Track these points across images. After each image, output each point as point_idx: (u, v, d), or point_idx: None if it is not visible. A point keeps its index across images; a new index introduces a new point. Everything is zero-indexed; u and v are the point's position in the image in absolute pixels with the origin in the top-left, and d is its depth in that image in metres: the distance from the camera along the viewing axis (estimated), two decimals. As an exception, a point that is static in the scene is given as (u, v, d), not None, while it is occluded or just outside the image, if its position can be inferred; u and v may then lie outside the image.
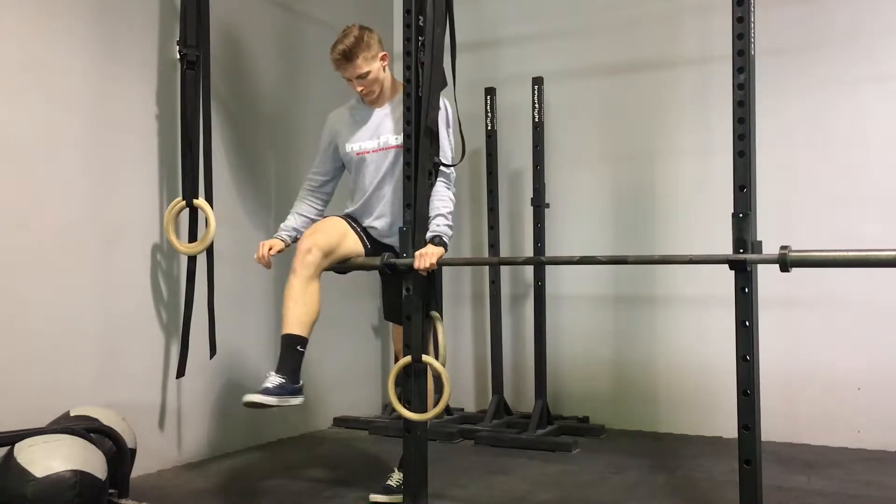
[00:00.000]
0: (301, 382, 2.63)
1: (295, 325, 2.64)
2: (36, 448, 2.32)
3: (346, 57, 2.80)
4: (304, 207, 3.02)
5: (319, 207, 3.03)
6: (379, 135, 2.90)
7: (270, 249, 2.87)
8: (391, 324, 3.07)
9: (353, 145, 2.93)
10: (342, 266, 2.87)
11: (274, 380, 2.55)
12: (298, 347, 2.63)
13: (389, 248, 2.90)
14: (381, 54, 2.86)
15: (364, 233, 2.91)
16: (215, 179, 3.34)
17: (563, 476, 3.25)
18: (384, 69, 2.89)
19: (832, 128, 3.80)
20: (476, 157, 4.44)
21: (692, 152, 4.08)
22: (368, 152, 2.90)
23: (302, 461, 3.54)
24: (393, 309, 2.95)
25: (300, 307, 2.65)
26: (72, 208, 3.01)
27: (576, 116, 4.40)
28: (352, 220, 2.94)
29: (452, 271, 4.64)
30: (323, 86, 4.18)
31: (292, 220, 2.98)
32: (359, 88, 2.88)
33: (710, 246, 2.94)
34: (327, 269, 2.79)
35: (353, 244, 2.85)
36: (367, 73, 2.83)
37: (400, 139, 2.82)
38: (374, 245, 2.91)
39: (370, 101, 2.93)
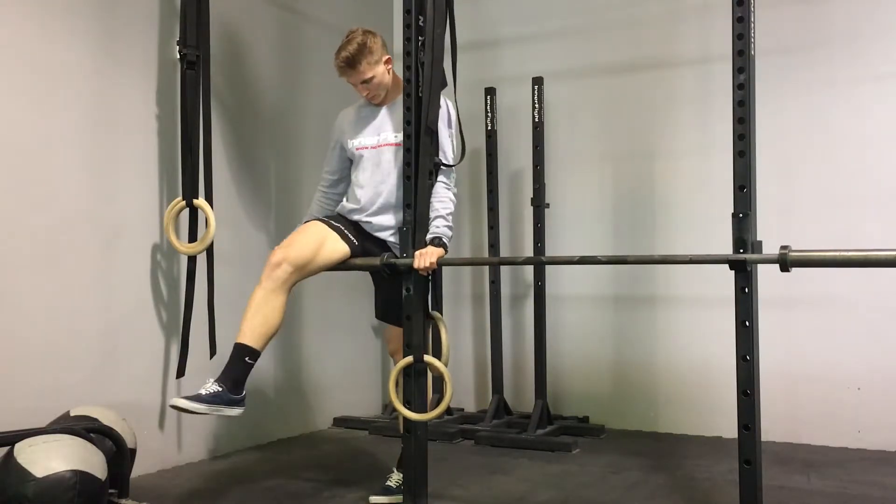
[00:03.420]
0: (244, 394, 2.56)
1: (248, 335, 2.59)
2: (36, 448, 2.32)
3: (350, 64, 2.80)
4: (318, 210, 3.04)
5: (333, 208, 3.03)
6: (380, 132, 2.91)
7: None
8: (385, 323, 3.06)
9: (355, 141, 2.94)
10: (343, 266, 2.86)
11: (210, 387, 2.50)
12: (247, 359, 2.57)
13: (381, 242, 2.88)
14: (384, 58, 2.86)
15: (353, 228, 2.88)
16: (215, 179, 3.33)
17: (563, 476, 3.25)
18: (388, 72, 2.89)
19: (832, 128, 3.80)
20: (476, 157, 4.44)
21: (692, 152, 4.09)
22: (367, 148, 2.91)
23: (302, 461, 3.54)
24: (387, 308, 2.94)
25: (258, 318, 2.60)
26: (72, 208, 3.01)
27: (576, 116, 4.40)
28: (338, 219, 2.90)
29: (452, 271, 4.64)
30: (323, 85, 4.19)
31: None
32: (364, 93, 2.89)
33: (709, 246, 2.94)
34: (303, 279, 2.75)
35: (330, 251, 2.78)
36: (372, 77, 2.83)
37: (399, 137, 2.83)
38: (363, 240, 2.88)
39: (375, 102, 2.94)
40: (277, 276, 2.64)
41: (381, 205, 2.87)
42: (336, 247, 2.80)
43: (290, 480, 3.21)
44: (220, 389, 2.50)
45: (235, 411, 2.53)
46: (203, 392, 2.49)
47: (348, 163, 3.02)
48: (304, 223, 2.97)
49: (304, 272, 2.71)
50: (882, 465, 3.38)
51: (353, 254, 2.84)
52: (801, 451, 3.63)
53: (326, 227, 2.84)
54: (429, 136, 2.74)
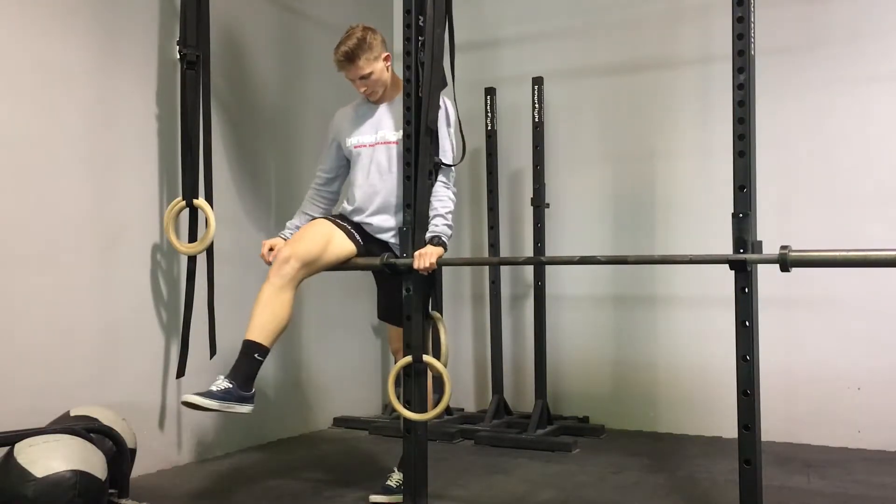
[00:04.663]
0: (253, 391, 2.56)
1: (257, 332, 2.58)
2: (36, 448, 2.32)
3: (349, 58, 2.81)
4: (310, 207, 3.02)
5: (325, 207, 3.03)
6: (378, 130, 2.90)
7: (272, 250, 2.85)
8: (388, 324, 3.06)
9: (353, 139, 2.93)
10: (344, 265, 2.86)
11: (221, 384, 2.50)
12: (256, 356, 2.57)
13: (384, 244, 2.88)
14: (383, 55, 2.86)
15: (357, 229, 2.88)
16: (215, 179, 3.33)
17: (563, 476, 3.25)
18: (387, 69, 2.89)
19: (832, 128, 3.80)
20: (476, 157, 4.44)
21: (692, 152, 4.09)
22: (365, 146, 2.90)
23: (302, 461, 3.54)
24: (388, 309, 2.94)
25: (266, 314, 2.60)
26: (72, 208, 3.01)
27: (576, 116, 4.40)
28: (343, 219, 2.91)
29: (452, 271, 4.64)
30: (323, 86, 4.19)
31: (297, 220, 2.99)
32: (362, 89, 2.89)
33: (710, 246, 2.94)
34: (310, 275, 2.75)
35: (338, 248, 2.79)
36: (370, 73, 2.84)
37: (398, 135, 2.83)
38: (367, 242, 2.88)
39: (373, 100, 2.94)
40: (286, 273, 2.64)
41: (380, 205, 2.87)
42: (343, 245, 2.80)
43: (290, 480, 3.21)
44: (231, 386, 2.50)
45: (245, 408, 2.52)
46: (214, 388, 2.48)
47: (345, 161, 3.01)
48: (293, 222, 2.98)
49: (311, 268, 2.72)
50: (882, 465, 3.38)
51: (359, 254, 2.85)
52: (801, 451, 3.63)
53: (333, 225, 2.84)
54: (428, 136, 2.74)
